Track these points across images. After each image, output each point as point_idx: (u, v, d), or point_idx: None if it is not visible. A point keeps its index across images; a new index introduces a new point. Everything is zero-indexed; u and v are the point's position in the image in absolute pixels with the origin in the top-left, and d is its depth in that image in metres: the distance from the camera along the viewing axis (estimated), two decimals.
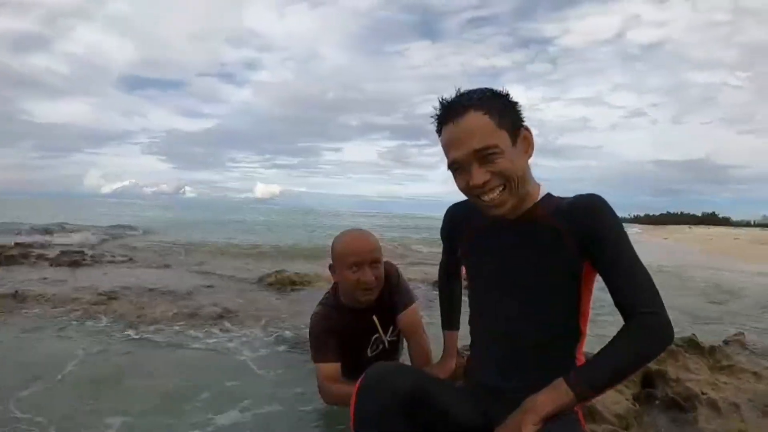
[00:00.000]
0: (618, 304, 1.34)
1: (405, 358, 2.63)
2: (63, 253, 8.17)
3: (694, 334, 3.20)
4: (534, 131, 1.44)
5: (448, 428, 1.49)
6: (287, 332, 4.14)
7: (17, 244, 9.26)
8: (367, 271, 2.26)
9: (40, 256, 7.99)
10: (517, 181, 1.38)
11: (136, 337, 3.93)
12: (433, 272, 7.12)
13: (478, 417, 1.50)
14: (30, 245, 9.41)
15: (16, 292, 5.19)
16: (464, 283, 1.92)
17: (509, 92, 1.43)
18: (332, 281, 2.50)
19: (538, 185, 1.52)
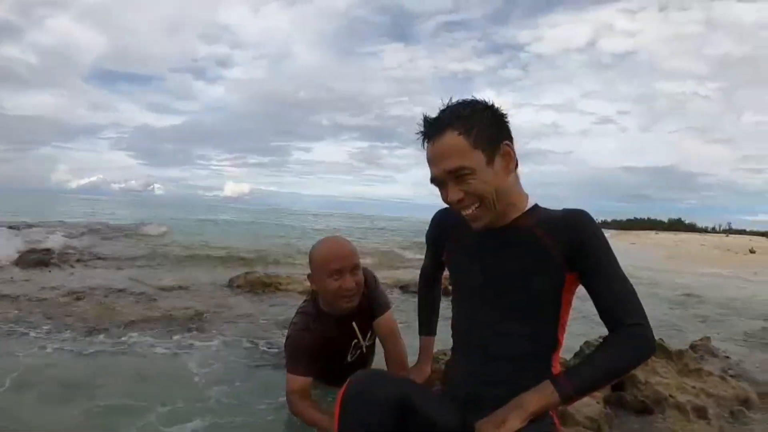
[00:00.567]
0: (604, 316, 1.41)
1: (379, 362, 2.62)
2: (30, 251, 7.93)
3: (661, 339, 3.26)
4: None
5: None
6: (256, 339, 3.98)
7: None
8: (348, 277, 2.26)
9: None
10: (491, 199, 1.40)
11: (92, 343, 3.67)
12: (406, 277, 7.16)
13: (460, 425, 1.50)
14: None
15: None
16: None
17: (497, 105, 1.45)
18: (308, 284, 2.52)
19: (526, 195, 1.54)
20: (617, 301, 1.38)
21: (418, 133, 1.46)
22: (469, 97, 1.46)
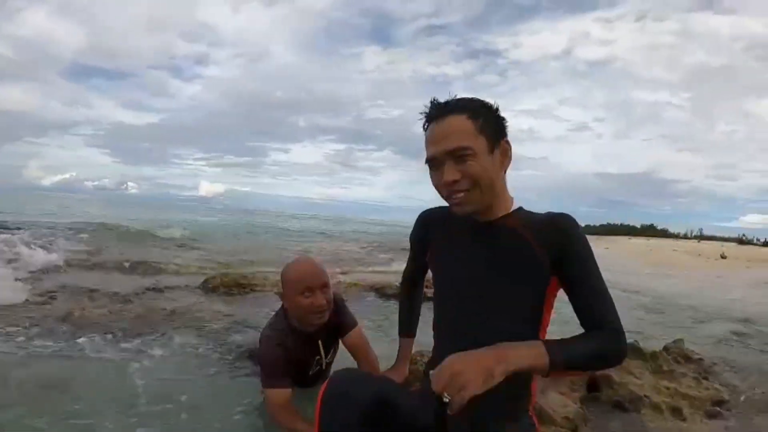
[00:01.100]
0: (583, 317, 1.43)
1: None
2: None
3: (635, 341, 3.30)
4: None
5: None
6: (216, 342, 3.83)
7: None
8: (319, 295, 2.38)
9: None
10: (484, 185, 1.42)
11: (37, 346, 3.49)
12: (382, 280, 7.14)
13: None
14: None
15: None
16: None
17: (498, 106, 1.49)
18: (280, 289, 2.56)
19: (512, 198, 1.56)
20: (597, 305, 1.40)
21: (422, 114, 1.49)
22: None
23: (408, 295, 2.09)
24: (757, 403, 3.05)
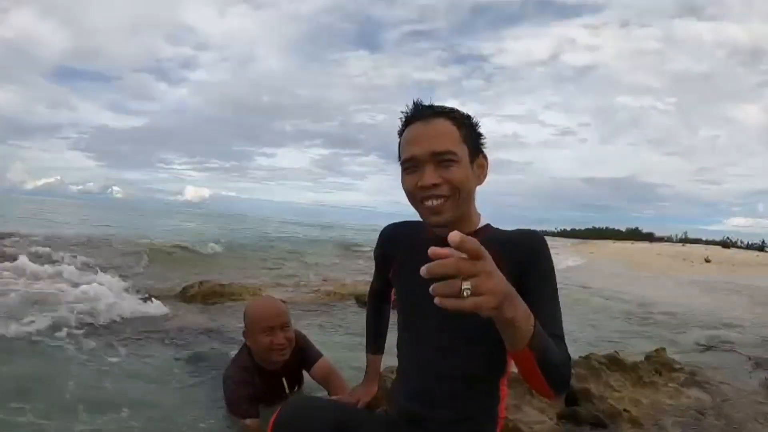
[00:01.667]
0: None
1: None
2: None
3: (616, 351, 3.24)
4: None
5: None
6: (203, 355, 3.69)
7: None
8: (279, 333, 2.51)
9: None
10: (462, 194, 1.38)
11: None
12: (364, 289, 7.03)
13: None
14: None
15: None
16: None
17: (478, 120, 1.46)
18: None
19: (479, 215, 1.52)
20: (552, 322, 1.31)
21: (403, 113, 1.45)
22: None
23: (374, 311, 2.03)
24: (739, 411, 3.01)
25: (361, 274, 10.19)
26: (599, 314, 6.80)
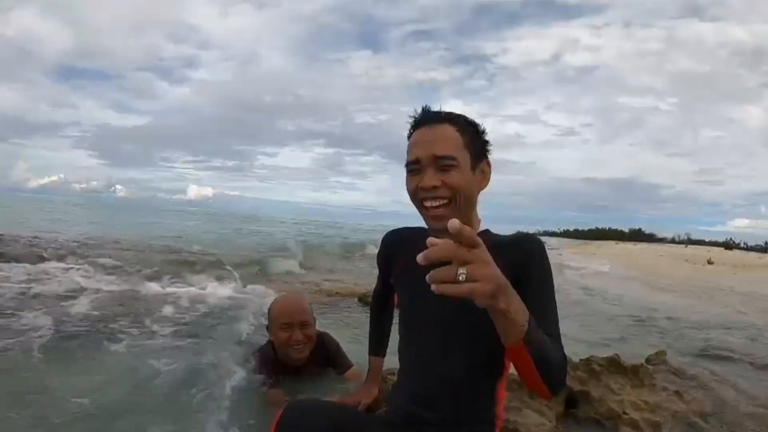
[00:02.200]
0: None
1: None
2: None
3: (616, 354, 3.24)
4: None
5: None
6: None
7: None
8: (297, 331, 2.60)
9: None
10: (462, 198, 1.40)
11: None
12: (369, 288, 7.05)
13: None
14: None
15: None
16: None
17: (485, 128, 1.50)
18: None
19: (479, 220, 1.54)
20: (546, 318, 1.32)
21: (410, 117, 1.49)
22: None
23: (377, 313, 2.08)
24: (740, 417, 3.00)
25: (363, 274, 10.22)
26: (597, 316, 6.77)
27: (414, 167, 1.44)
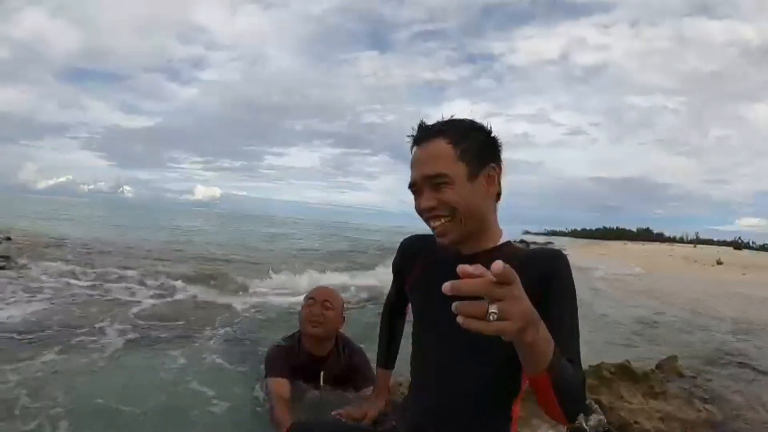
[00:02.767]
0: None
1: None
2: None
3: (627, 360, 3.20)
4: None
5: None
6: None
7: None
8: (317, 306, 2.68)
9: None
10: (462, 214, 1.35)
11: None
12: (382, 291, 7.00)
13: None
14: None
15: None
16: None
17: (492, 128, 1.43)
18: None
19: (501, 231, 1.47)
20: (567, 340, 1.27)
21: (409, 136, 1.44)
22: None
23: (388, 325, 2.00)
24: (751, 425, 2.96)
25: (364, 275, 10.20)
26: (607, 321, 6.74)
27: (413, 189, 1.42)
